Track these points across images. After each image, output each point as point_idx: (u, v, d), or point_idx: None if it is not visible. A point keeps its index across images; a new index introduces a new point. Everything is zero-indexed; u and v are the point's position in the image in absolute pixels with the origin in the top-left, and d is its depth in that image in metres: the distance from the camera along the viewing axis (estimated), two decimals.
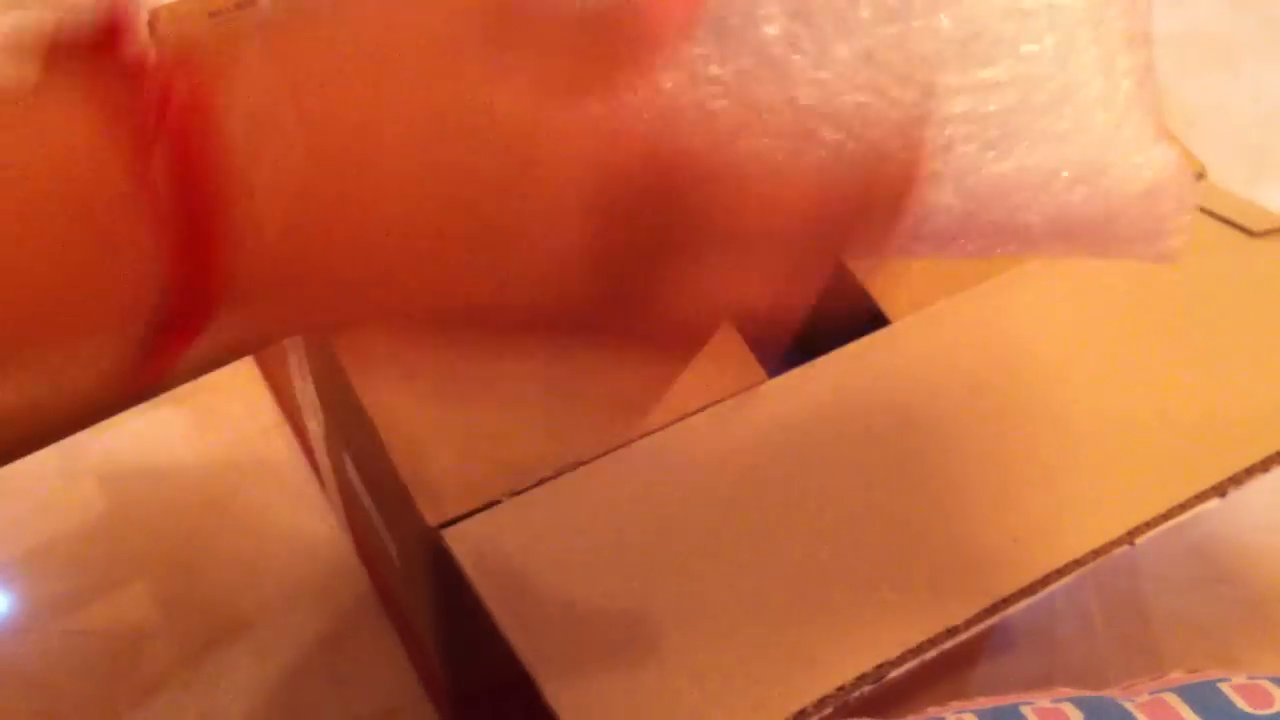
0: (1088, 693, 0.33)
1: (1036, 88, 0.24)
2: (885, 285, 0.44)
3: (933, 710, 0.33)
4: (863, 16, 0.23)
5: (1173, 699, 0.31)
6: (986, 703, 0.32)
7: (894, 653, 0.35)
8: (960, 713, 0.32)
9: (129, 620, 0.60)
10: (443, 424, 0.39)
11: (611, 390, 0.41)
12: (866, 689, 0.34)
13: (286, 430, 0.66)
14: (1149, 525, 0.37)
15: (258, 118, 0.20)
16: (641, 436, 0.40)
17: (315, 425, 0.54)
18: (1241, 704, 0.31)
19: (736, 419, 0.40)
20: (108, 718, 0.57)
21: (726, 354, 0.42)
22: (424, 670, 0.57)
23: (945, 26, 0.23)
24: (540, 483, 0.39)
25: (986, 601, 0.36)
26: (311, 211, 0.21)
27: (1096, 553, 0.37)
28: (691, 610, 0.35)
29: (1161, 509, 0.37)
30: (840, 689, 0.34)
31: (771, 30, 0.23)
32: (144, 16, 0.21)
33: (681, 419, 0.40)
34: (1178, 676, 0.33)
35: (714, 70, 0.22)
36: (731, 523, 0.37)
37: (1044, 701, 0.32)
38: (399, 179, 0.22)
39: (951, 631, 0.35)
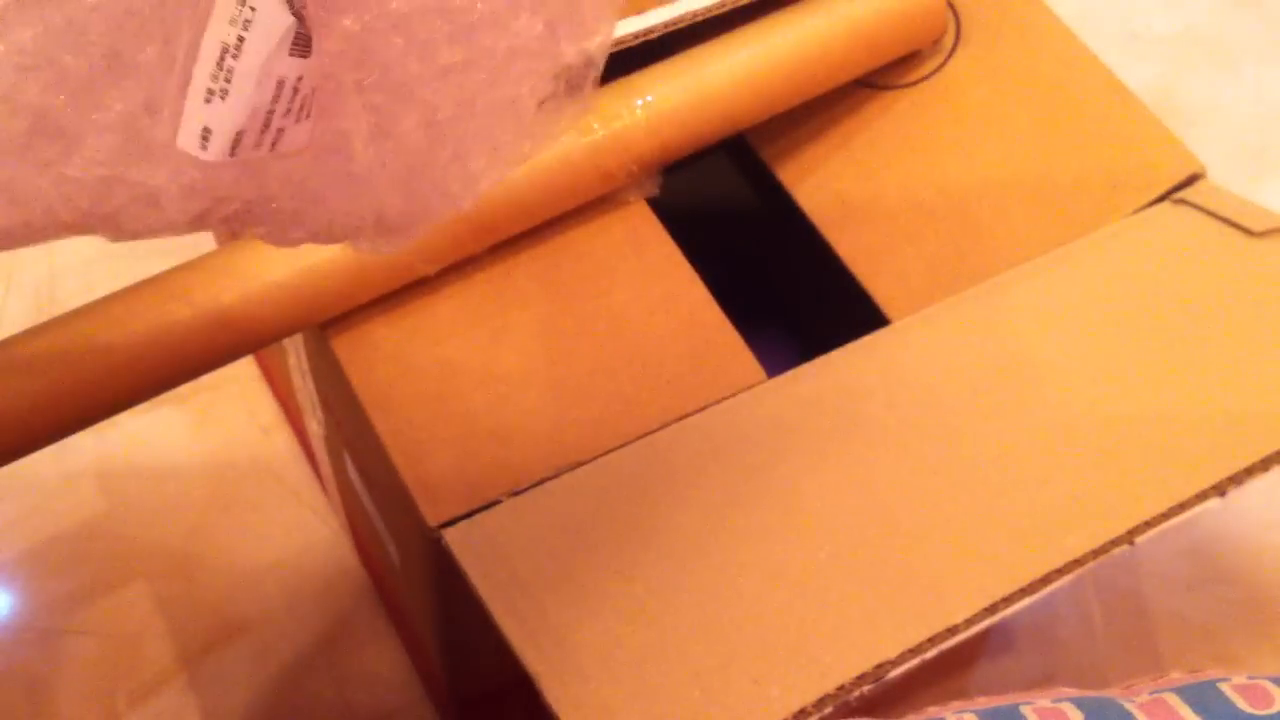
0: (1088, 693, 0.33)
1: None
2: (885, 285, 0.44)
3: (933, 710, 0.33)
4: None
5: (1173, 699, 0.31)
6: (986, 703, 0.32)
7: (894, 653, 0.35)
8: (960, 713, 0.32)
9: (129, 620, 0.60)
10: (443, 424, 0.40)
11: (612, 390, 0.41)
12: (866, 689, 0.34)
13: (286, 430, 0.66)
14: (1149, 525, 0.37)
15: None
16: (641, 436, 0.40)
17: (315, 425, 0.54)
18: (1241, 704, 0.31)
19: (736, 419, 0.40)
20: (108, 718, 0.57)
21: (726, 354, 0.42)
22: (424, 670, 0.57)
23: None
24: (540, 483, 0.39)
25: (986, 601, 0.36)
26: None
27: (1096, 553, 0.37)
28: (691, 610, 0.35)
29: (1161, 509, 0.37)
30: (840, 689, 0.34)
31: None
32: None
33: (681, 419, 0.40)
34: (1178, 676, 0.33)
35: None
36: (731, 522, 0.37)
37: (1044, 701, 0.32)
38: None
39: (951, 631, 0.35)
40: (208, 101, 0.24)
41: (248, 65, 0.23)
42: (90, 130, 0.24)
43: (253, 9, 0.23)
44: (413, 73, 0.26)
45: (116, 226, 0.25)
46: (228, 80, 0.24)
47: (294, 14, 0.23)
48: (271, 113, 0.24)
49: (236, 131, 0.24)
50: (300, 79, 0.24)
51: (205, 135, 0.24)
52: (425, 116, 0.27)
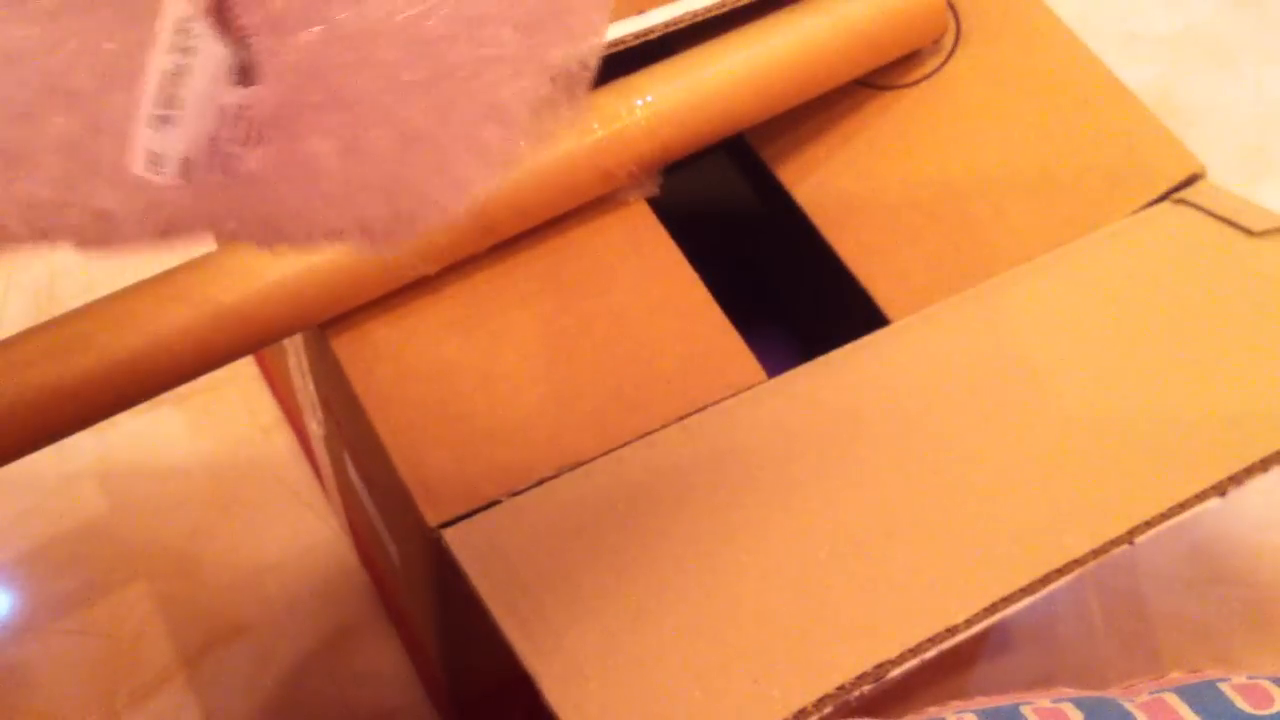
0: (1088, 693, 0.33)
1: None
2: (885, 285, 0.44)
3: (933, 710, 0.33)
4: None
5: (1173, 699, 0.31)
6: (986, 703, 0.32)
7: (894, 652, 0.35)
8: (960, 713, 0.32)
9: (129, 620, 0.60)
10: (443, 424, 0.40)
11: (612, 390, 0.41)
12: (866, 689, 0.34)
13: (286, 430, 0.66)
14: (1149, 525, 0.37)
15: None
16: (641, 436, 0.40)
17: (315, 425, 0.54)
18: (1241, 704, 0.31)
19: (736, 419, 0.40)
20: (108, 718, 0.57)
21: (726, 354, 0.42)
22: (424, 670, 0.57)
23: None
24: (540, 483, 0.39)
25: (986, 601, 0.36)
26: None
27: (1096, 552, 0.37)
28: (691, 610, 0.35)
29: (1161, 508, 0.37)
30: (840, 689, 0.34)
31: None
32: None
33: (681, 419, 0.40)
34: (1178, 676, 0.33)
35: None
36: (731, 522, 0.37)
37: (1044, 701, 0.32)
38: None
39: (951, 631, 0.35)
40: (154, 128, 0.23)
41: (192, 93, 0.23)
42: (38, 153, 0.23)
43: (195, 36, 0.23)
44: (373, 90, 0.25)
45: (79, 242, 0.25)
46: (173, 107, 0.23)
47: (238, 41, 0.23)
48: (219, 138, 0.24)
49: (185, 158, 0.24)
50: (249, 106, 0.24)
51: (155, 160, 0.24)
52: (396, 130, 0.26)
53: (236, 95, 0.23)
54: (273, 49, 0.24)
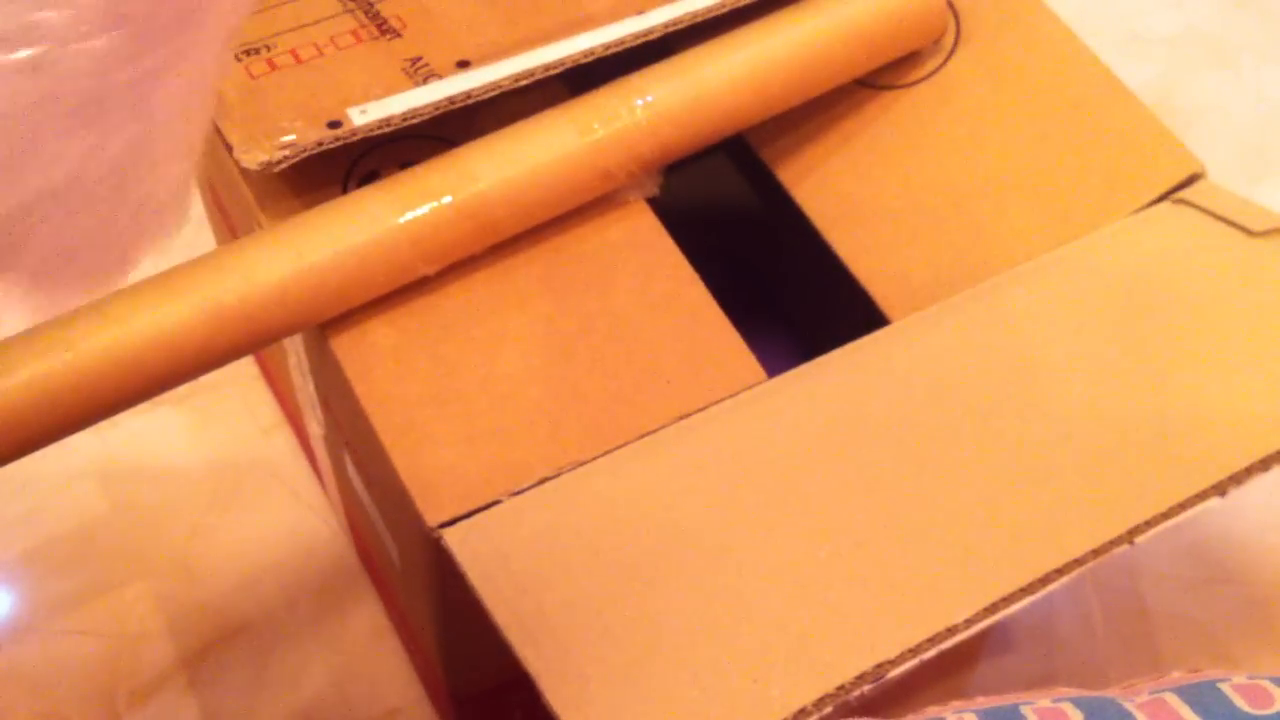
0: (1088, 693, 0.33)
1: None
2: (885, 285, 0.45)
3: (933, 710, 0.33)
4: None
5: (1173, 699, 0.31)
6: (986, 703, 0.32)
7: (894, 652, 0.35)
8: (960, 713, 0.32)
9: (129, 620, 0.60)
10: (443, 424, 0.40)
11: (612, 390, 0.41)
12: (866, 689, 0.34)
13: (286, 430, 0.66)
14: (1149, 525, 0.37)
15: None
16: (641, 436, 0.40)
17: (315, 425, 0.54)
18: (1241, 704, 0.31)
19: (736, 419, 0.40)
20: (108, 718, 0.57)
21: (726, 354, 0.42)
22: (424, 670, 0.57)
23: None
24: (540, 483, 0.39)
25: (986, 601, 0.36)
26: None
27: (1096, 552, 0.37)
28: (691, 610, 0.35)
29: (1161, 508, 0.37)
30: (840, 689, 0.34)
31: None
32: None
33: (681, 419, 0.40)
34: (1178, 676, 0.33)
35: None
36: (731, 522, 0.37)
37: (1044, 701, 0.32)
38: None
39: (951, 631, 0.35)
40: None
41: None
42: None
43: None
44: None
45: None
46: None
47: None
48: None
49: None
50: None
51: None
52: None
53: None
54: None
